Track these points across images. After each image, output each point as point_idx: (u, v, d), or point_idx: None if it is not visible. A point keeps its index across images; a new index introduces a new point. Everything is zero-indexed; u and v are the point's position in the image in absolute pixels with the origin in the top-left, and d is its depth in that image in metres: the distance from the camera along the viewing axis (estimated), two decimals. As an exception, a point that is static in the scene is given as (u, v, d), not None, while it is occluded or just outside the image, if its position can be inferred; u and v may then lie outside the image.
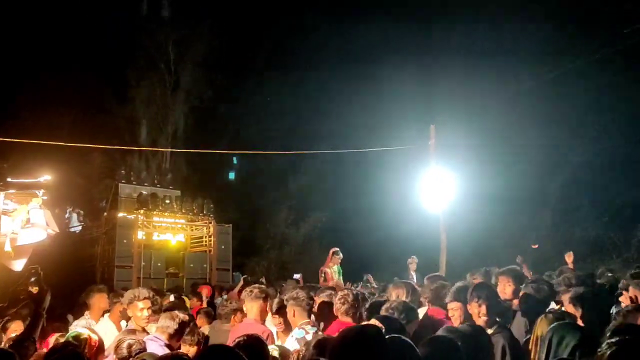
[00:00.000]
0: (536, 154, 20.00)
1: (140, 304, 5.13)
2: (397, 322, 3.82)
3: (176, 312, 4.75)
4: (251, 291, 5.14)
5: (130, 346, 4.07)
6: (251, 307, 5.07)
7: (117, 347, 4.11)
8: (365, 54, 24.97)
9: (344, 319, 4.64)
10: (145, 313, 5.14)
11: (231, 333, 5.13)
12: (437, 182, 13.57)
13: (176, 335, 4.55)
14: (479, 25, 21.62)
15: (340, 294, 4.97)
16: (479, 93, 20.37)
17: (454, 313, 4.49)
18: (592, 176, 18.86)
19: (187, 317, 4.77)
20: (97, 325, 5.45)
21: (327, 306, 5.17)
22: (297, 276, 11.57)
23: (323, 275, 10.70)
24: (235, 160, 28.06)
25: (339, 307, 4.73)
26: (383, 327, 3.29)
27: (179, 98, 26.97)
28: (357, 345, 2.52)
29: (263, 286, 5.55)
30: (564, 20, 20.32)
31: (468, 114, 19.46)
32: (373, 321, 3.64)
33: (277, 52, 27.28)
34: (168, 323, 4.52)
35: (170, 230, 16.90)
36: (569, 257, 7.98)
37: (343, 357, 2.55)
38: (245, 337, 3.42)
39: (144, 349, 4.07)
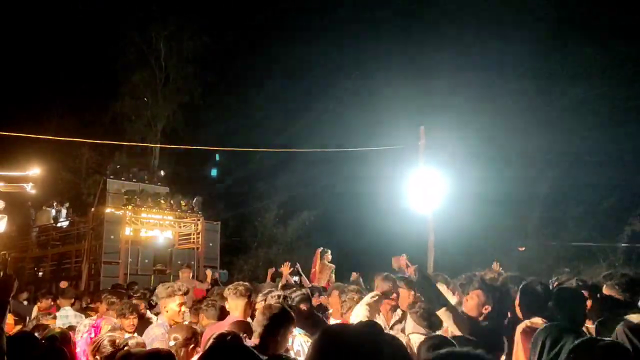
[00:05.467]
0: (525, 157, 20.15)
1: (179, 299, 4.98)
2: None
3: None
4: (236, 289, 5.08)
5: (113, 341, 4.03)
6: (236, 305, 5.03)
7: (99, 344, 4.06)
8: (356, 55, 25.04)
9: None
10: (184, 308, 5.03)
11: (212, 329, 5.03)
12: (426, 183, 13.61)
13: None
14: (470, 28, 21.74)
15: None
16: (469, 95, 20.48)
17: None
18: (580, 179, 19.02)
19: None
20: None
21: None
22: (295, 279, 11.49)
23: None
24: (217, 157, 27.99)
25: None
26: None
27: (169, 94, 26.85)
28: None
29: (247, 284, 5.49)
30: (552, 23, 20.49)
31: (458, 116, 19.56)
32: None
33: (268, 50, 27.27)
34: None
35: (158, 226, 16.81)
36: None
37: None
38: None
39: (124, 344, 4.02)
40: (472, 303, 4.25)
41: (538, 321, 3.75)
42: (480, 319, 4.19)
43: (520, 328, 3.77)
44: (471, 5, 21.39)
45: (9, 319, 6.15)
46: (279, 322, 3.66)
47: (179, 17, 26.15)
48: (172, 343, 3.96)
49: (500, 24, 20.84)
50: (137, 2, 25.66)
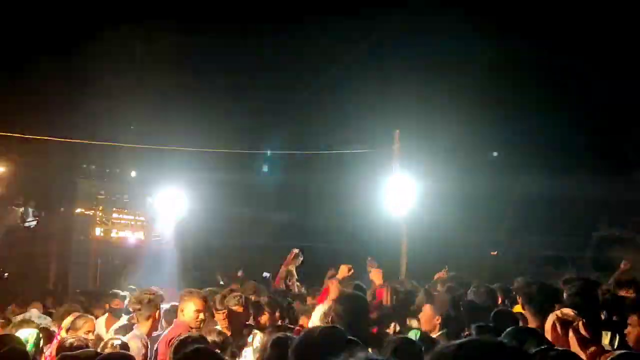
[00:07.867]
0: (498, 161, 20.36)
1: (196, 305, 4.93)
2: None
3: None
4: (190, 292, 5.10)
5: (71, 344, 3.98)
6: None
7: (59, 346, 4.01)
8: (330, 56, 24.97)
9: None
10: (201, 316, 4.91)
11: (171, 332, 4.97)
12: (401, 187, 13.62)
13: None
14: (445, 30, 21.85)
15: None
16: (445, 99, 20.59)
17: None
18: (551, 184, 19.28)
19: None
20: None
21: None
22: (266, 274, 11.45)
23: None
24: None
25: None
26: None
27: (143, 92, 26.50)
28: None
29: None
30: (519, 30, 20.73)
31: (433, 120, 19.67)
32: None
33: (242, 51, 27.07)
34: None
35: (130, 227, 16.60)
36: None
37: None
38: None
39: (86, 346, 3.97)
40: (424, 318, 4.59)
41: (569, 312, 3.72)
42: (436, 330, 4.45)
43: (550, 320, 3.73)
44: (454, 5, 21.50)
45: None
46: None
47: (155, 12, 25.84)
48: None
49: (477, 28, 21.00)
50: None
